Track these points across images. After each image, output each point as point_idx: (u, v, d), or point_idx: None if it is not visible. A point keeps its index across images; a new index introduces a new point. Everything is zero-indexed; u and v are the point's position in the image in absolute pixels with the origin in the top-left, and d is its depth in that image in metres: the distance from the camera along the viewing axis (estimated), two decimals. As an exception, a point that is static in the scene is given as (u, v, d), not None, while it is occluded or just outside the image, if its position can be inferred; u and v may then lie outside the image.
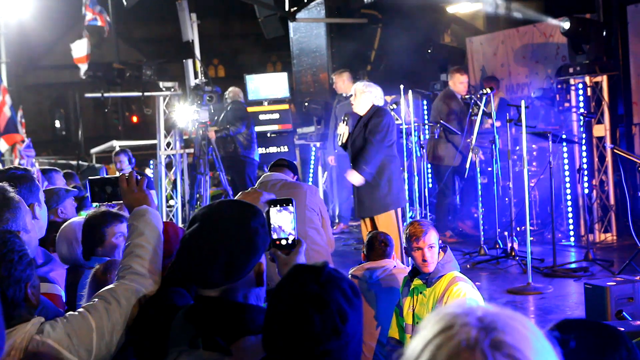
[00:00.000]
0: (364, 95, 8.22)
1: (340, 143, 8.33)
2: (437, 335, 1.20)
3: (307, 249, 5.40)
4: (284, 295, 2.08)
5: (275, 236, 2.64)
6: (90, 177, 3.19)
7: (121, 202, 3.05)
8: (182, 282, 2.60)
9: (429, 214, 11.04)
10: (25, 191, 3.34)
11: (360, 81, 8.90)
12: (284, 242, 2.64)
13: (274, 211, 2.67)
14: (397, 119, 10.75)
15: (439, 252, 4.70)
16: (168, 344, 2.37)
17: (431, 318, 1.25)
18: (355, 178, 8.05)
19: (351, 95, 8.51)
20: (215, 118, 11.96)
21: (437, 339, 1.20)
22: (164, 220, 10.98)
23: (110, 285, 2.68)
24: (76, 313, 2.55)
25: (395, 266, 5.50)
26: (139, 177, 2.96)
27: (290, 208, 2.68)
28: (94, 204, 3.54)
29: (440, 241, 4.78)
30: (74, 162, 17.37)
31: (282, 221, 2.67)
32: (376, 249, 5.59)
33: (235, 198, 2.76)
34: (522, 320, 1.24)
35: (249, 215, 2.37)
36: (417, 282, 4.75)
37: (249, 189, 2.84)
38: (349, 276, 5.32)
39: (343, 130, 8.24)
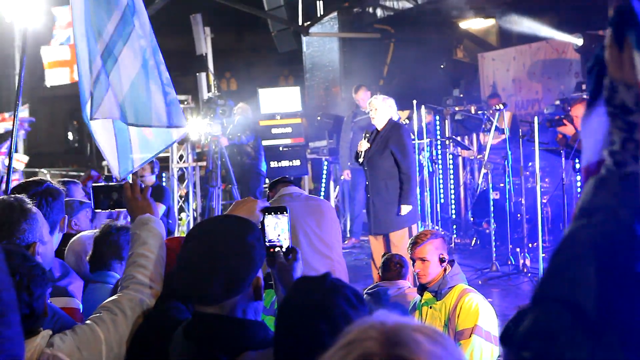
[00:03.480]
0: (385, 109, 8.36)
1: (361, 160, 8.38)
2: (339, 350, 1.20)
3: (331, 260, 5.43)
4: (291, 306, 2.11)
5: (269, 244, 2.65)
6: (94, 184, 3.19)
7: (125, 209, 3.07)
8: (180, 297, 2.60)
9: (439, 228, 11.02)
10: (61, 205, 3.42)
11: (375, 96, 8.93)
12: (278, 249, 2.66)
13: (269, 219, 2.69)
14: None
15: (444, 266, 4.72)
16: None
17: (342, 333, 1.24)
18: (408, 209, 8.17)
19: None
20: (227, 132, 12.00)
21: (338, 353, 1.20)
22: (176, 235, 10.87)
23: (114, 296, 2.68)
24: (84, 326, 2.55)
25: (409, 286, 5.51)
26: (142, 185, 2.97)
27: (285, 216, 2.70)
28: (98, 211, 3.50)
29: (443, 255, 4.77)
30: (86, 174, 17.41)
31: (277, 229, 2.69)
32: (391, 270, 5.63)
33: (231, 207, 2.76)
34: (432, 334, 1.21)
35: (245, 230, 2.37)
36: (427, 295, 4.76)
37: (246, 198, 2.84)
38: (364, 295, 5.33)
39: (365, 148, 8.33)
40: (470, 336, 4.39)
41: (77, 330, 2.51)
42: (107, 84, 4.27)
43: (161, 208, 9.70)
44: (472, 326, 4.42)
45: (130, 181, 3.03)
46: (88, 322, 2.57)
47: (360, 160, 8.42)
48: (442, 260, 4.72)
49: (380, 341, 1.18)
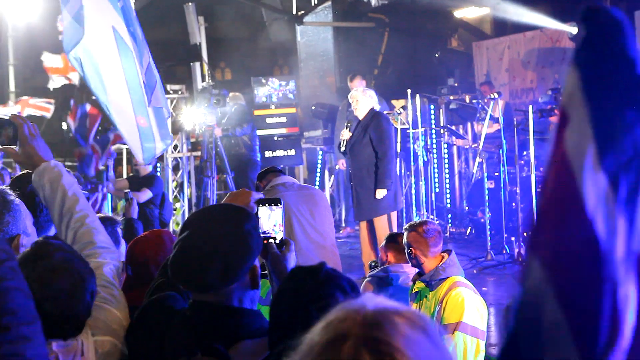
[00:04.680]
0: (365, 100, 8.63)
1: (342, 148, 8.57)
2: (318, 330, 1.23)
3: (325, 249, 5.40)
4: (286, 296, 2.14)
5: (263, 235, 2.63)
6: None
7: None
8: (175, 286, 2.59)
9: (434, 217, 11.04)
10: None
11: (355, 88, 9.21)
12: (272, 240, 2.65)
13: (263, 210, 2.68)
14: (404, 124, 10.77)
15: (424, 257, 4.72)
16: (165, 350, 2.36)
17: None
18: (383, 193, 8.34)
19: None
20: (223, 121, 11.97)
21: (317, 333, 1.23)
22: (171, 225, 10.74)
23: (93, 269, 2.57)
24: (101, 310, 2.50)
25: (413, 273, 5.45)
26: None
27: (279, 207, 2.68)
28: None
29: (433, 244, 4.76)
30: (80, 164, 17.36)
31: (271, 220, 2.68)
32: (400, 243, 5.42)
33: (225, 199, 2.74)
34: (414, 319, 1.22)
35: (242, 218, 2.36)
36: (419, 284, 4.74)
37: (240, 189, 2.82)
38: (367, 277, 5.28)
39: (347, 136, 8.52)
40: (453, 332, 4.37)
41: (101, 316, 2.48)
42: (155, 76, 4.50)
43: (147, 193, 9.68)
44: (456, 322, 4.37)
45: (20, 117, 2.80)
46: (98, 304, 2.50)
47: (342, 148, 8.66)
48: (409, 255, 4.75)
49: (358, 322, 1.19)
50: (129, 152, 13.98)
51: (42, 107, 12.39)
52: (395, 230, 8.15)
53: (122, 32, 4.56)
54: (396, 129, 9.46)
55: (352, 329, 1.19)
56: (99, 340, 2.41)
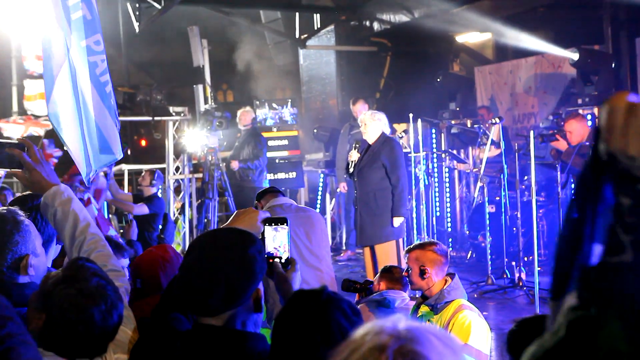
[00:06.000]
0: (374, 124, 8.46)
1: (351, 170, 8.43)
2: (358, 338, 1.28)
3: (321, 272, 5.37)
4: (288, 319, 2.14)
5: (267, 255, 2.65)
6: None
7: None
8: (180, 308, 2.60)
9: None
10: None
11: (364, 112, 9.08)
12: (277, 260, 2.67)
13: (269, 230, 2.70)
14: (405, 148, 10.79)
15: (425, 277, 4.71)
16: None
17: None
18: (399, 221, 8.31)
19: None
20: (233, 145, 11.91)
21: (357, 341, 1.28)
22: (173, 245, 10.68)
23: None
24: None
25: (409, 299, 5.45)
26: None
27: (285, 227, 2.70)
28: None
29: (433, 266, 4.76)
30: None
31: (277, 240, 2.70)
32: (394, 272, 5.44)
33: (232, 217, 2.76)
34: (445, 339, 1.28)
35: (247, 242, 2.38)
36: (424, 308, 4.74)
37: (247, 208, 2.83)
38: (361, 302, 5.25)
39: (355, 157, 8.39)
40: None
41: (119, 336, 2.50)
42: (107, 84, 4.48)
43: (143, 208, 9.65)
44: (462, 345, 4.39)
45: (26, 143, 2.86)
46: None
47: (351, 170, 8.51)
48: (422, 272, 4.72)
49: (394, 336, 1.25)
50: (130, 173, 14.00)
51: (45, 125, 12.45)
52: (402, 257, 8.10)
53: (73, 48, 4.57)
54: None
55: (388, 341, 1.24)
56: (120, 358, 2.46)
